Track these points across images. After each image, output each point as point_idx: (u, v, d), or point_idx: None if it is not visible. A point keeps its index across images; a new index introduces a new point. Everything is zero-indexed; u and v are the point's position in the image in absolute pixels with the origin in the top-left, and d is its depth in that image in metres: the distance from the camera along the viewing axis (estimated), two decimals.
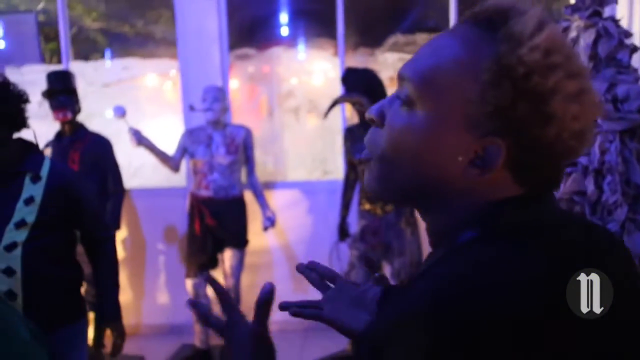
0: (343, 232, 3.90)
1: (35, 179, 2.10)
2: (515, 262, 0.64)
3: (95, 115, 4.69)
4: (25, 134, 2.19)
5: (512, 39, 0.65)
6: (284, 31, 5.06)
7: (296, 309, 0.99)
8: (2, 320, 0.60)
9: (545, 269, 0.64)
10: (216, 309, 4.32)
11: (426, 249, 3.86)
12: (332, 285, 1.06)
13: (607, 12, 2.66)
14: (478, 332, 0.58)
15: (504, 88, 0.65)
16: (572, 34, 2.59)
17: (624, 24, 2.92)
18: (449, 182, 0.71)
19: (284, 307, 1.01)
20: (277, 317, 4.53)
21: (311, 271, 1.08)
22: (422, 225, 3.79)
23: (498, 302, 0.60)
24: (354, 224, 3.91)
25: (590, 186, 2.55)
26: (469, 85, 0.66)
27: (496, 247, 0.67)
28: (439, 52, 0.70)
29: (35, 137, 2.20)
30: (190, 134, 3.95)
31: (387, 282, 1.05)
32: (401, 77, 0.73)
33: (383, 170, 0.75)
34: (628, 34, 2.59)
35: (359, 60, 4.70)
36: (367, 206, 3.76)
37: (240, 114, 4.80)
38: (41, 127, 3.61)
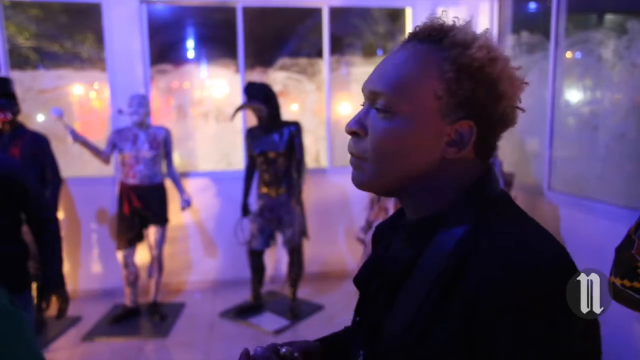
0: (245, 210, 3.77)
1: None
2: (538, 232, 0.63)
3: (32, 116, 4.17)
4: None
5: (459, 45, 0.64)
6: (195, 52, 4.79)
7: None
8: None
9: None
10: (143, 274, 4.01)
11: (310, 222, 3.84)
12: None
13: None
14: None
15: (464, 81, 0.64)
16: None
17: None
18: (434, 163, 0.67)
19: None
20: (191, 278, 4.25)
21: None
22: (308, 203, 3.74)
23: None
24: (254, 204, 3.78)
25: None
26: (435, 85, 0.64)
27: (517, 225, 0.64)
28: (403, 65, 0.66)
29: None
30: (119, 132, 3.63)
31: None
32: (374, 92, 0.68)
33: (376, 170, 0.68)
34: None
35: (255, 77, 4.55)
36: (264, 190, 3.64)
37: (159, 117, 4.48)
38: None
